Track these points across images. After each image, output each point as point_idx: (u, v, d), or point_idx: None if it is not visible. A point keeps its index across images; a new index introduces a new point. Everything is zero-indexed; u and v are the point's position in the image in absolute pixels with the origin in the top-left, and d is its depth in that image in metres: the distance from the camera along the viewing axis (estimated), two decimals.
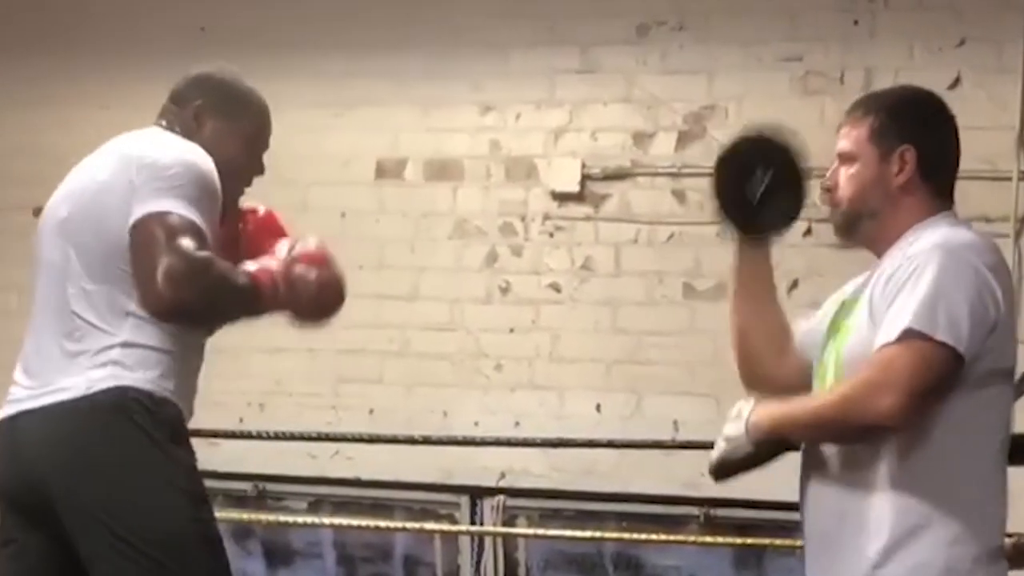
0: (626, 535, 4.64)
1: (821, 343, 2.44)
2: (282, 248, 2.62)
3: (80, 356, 2.49)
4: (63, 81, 5.57)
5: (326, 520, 4.98)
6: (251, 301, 2.53)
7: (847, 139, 2.41)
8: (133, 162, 2.55)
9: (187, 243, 2.44)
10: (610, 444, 4.63)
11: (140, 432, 2.46)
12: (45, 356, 2.55)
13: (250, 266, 2.55)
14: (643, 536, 4.56)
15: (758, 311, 2.54)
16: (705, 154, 4.91)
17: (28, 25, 5.62)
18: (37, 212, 5.52)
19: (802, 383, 2.47)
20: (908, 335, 2.22)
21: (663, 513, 4.75)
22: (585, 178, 5.04)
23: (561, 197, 5.08)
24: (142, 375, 2.48)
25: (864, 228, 2.40)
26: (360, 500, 5.14)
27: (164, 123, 2.73)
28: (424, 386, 5.12)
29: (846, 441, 2.31)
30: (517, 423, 4.99)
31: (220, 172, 2.60)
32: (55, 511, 2.48)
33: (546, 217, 5.09)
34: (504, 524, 4.94)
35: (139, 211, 2.48)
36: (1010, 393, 2.37)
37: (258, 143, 2.75)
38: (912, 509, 2.27)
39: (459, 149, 5.20)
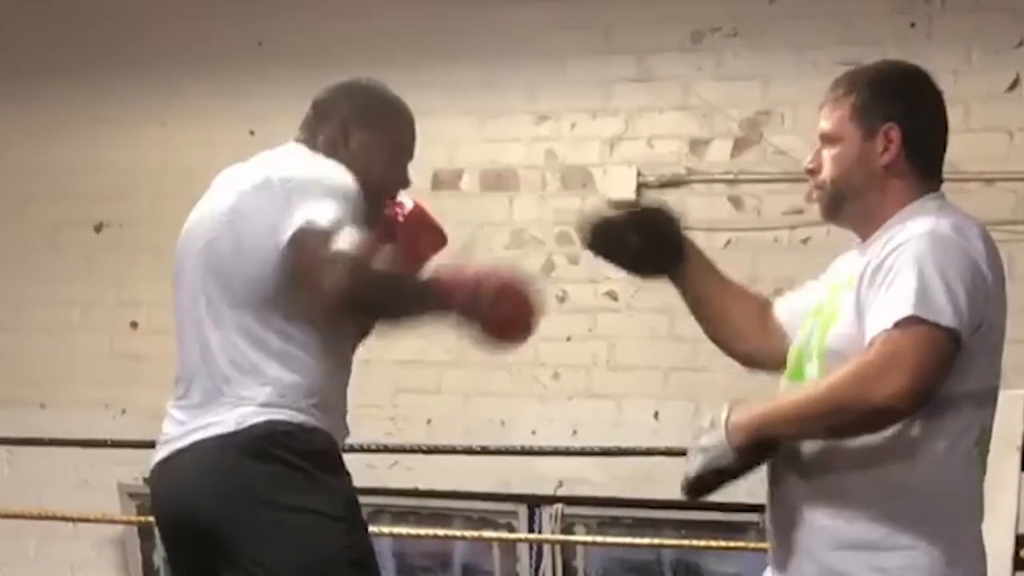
0: (685, 542, 4.63)
1: (803, 324, 2.35)
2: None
3: (228, 391, 2.48)
4: (123, 98, 5.63)
5: (385, 530, 4.99)
6: (425, 300, 2.46)
7: (828, 119, 2.32)
8: (275, 183, 2.50)
9: (349, 236, 2.38)
10: (668, 452, 4.61)
11: (288, 465, 2.44)
12: (195, 392, 2.53)
13: (453, 273, 2.47)
14: (702, 543, 4.54)
15: (717, 309, 2.52)
16: (761, 160, 4.91)
17: (88, 43, 5.69)
18: (98, 228, 5.76)
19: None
20: (910, 321, 2.11)
21: (722, 520, 4.72)
22: (641, 186, 5.04)
23: (617, 205, 5.06)
24: (290, 407, 2.46)
25: (849, 209, 2.31)
26: (419, 510, 5.16)
27: (304, 136, 2.67)
28: (482, 396, 5.13)
29: (845, 431, 2.17)
30: (575, 431, 5.00)
31: (367, 183, 2.55)
32: (209, 546, 2.48)
33: None
34: (562, 532, 4.94)
35: (290, 226, 2.43)
36: (993, 395, 2.28)
37: (404, 154, 2.71)
38: (886, 512, 2.19)
39: (515, 159, 5.21)
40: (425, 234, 2.68)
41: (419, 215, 2.72)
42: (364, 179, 2.55)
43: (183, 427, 2.52)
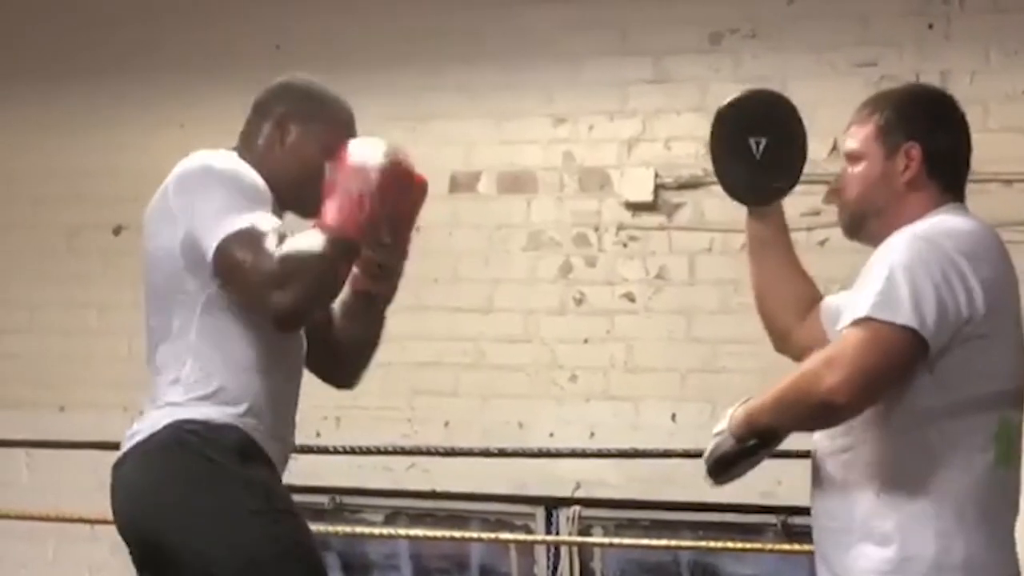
0: (702, 543, 4.63)
1: None
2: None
3: (152, 397, 2.57)
4: (141, 101, 5.65)
5: (402, 532, 5.01)
6: (342, 248, 2.47)
7: (853, 138, 2.39)
8: (171, 189, 2.60)
9: (268, 246, 2.44)
10: (685, 454, 4.61)
11: (200, 462, 2.47)
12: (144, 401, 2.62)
13: (327, 211, 2.48)
14: (719, 544, 4.54)
15: (774, 275, 2.55)
16: None
17: (105, 47, 5.71)
18: (117, 231, 5.77)
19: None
20: (867, 320, 2.19)
21: (740, 522, 4.72)
22: (658, 187, 5.04)
23: (635, 207, 5.08)
24: (197, 404, 2.49)
25: (871, 226, 2.37)
26: (436, 512, 5.16)
27: (240, 142, 2.74)
28: (499, 398, 5.14)
29: (804, 423, 2.29)
30: (592, 433, 4.99)
31: (305, 176, 2.60)
32: (148, 552, 2.52)
33: (620, 227, 5.09)
34: (579, 534, 4.95)
35: (210, 241, 2.48)
36: (1007, 398, 2.28)
37: (339, 146, 2.70)
38: (900, 505, 2.23)
39: (532, 161, 5.22)
40: (402, 189, 2.61)
41: (393, 171, 2.63)
42: (301, 173, 2.62)
43: (127, 432, 2.61)
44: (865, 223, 2.37)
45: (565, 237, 5.15)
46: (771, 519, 4.67)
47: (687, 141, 5.04)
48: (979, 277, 2.22)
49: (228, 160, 2.62)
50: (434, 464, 5.08)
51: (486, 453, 4.75)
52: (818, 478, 2.36)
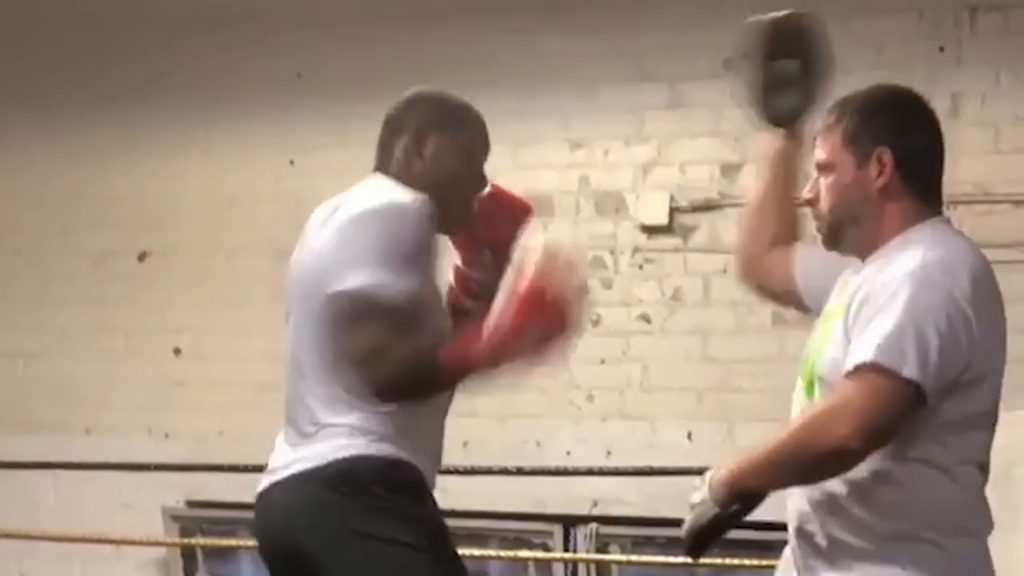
0: (718, 561, 4.66)
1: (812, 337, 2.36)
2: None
3: (318, 426, 2.51)
4: (165, 128, 5.72)
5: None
6: (441, 380, 2.51)
7: (822, 148, 2.30)
8: (342, 226, 2.51)
9: (387, 338, 2.41)
10: (702, 472, 4.64)
11: (373, 498, 2.46)
12: (293, 428, 2.57)
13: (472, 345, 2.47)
14: (735, 561, 4.57)
15: (775, 196, 2.50)
16: None
17: (131, 75, 5.78)
18: (142, 257, 5.84)
19: (784, 287, 2.46)
20: (870, 368, 2.13)
21: (756, 539, 4.74)
22: (673, 210, 5.09)
23: (650, 230, 5.13)
24: (376, 440, 2.48)
25: (849, 236, 2.30)
26: (455, 530, 5.12)
27: (380, 157, 2.65)
28: (517, 418, 5.17)
29: (807, 476, 2.21)
30: (609, 452, 5.04)
31: (450, 188, 2.58)
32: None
33: (635, 250, 5.14)
34: (597, 551, 4.98)
35: (347, 284, 2.46)
36: (988, 432, 2.27)
37: (479, 154, 2.70)
38: (896, 529, 2.22)
39: (549, 185, 5.27)
40: (504, 213, 2.66)
41: (499, 202, 2.70)
42: (443, 183, 2.58)
43: (283, 460, 2.56)
44: (842, 233, 2.30)
45: (581, 259, 5.20)
46: (786, 536, 4.69)
47: (702, 165, 5.10)
48: (981, 325, 2.18)
49: (404, 202, 2.52)
50: (453, 483, 5.09)
51: (504, 472, 4.80)
52: (808, 494, 2.32)
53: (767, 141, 2.55)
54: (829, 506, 2.26)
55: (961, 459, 2.24)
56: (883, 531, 2.22)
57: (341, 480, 2.47)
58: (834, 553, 2.27)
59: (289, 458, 2.54)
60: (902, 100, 2.34)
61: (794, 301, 2.53)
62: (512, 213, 2.67)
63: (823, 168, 2.32)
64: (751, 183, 2.63)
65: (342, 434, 2.49)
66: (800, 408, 2.36)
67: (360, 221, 2.50)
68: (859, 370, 2.15)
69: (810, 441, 2.16)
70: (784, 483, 2.26)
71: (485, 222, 2.58)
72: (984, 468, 2.29)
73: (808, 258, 2.48)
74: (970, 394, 2.21)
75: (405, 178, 2.58)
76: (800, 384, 2.38)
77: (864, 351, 2.15)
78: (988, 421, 2.28)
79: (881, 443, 2.15)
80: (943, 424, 2.21)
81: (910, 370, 2.12)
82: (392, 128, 2.66)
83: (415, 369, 2.47)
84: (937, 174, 2.32)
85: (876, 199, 2.27)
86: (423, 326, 2.49)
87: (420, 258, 2.50)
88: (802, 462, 2.19)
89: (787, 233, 2.52)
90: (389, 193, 2.54)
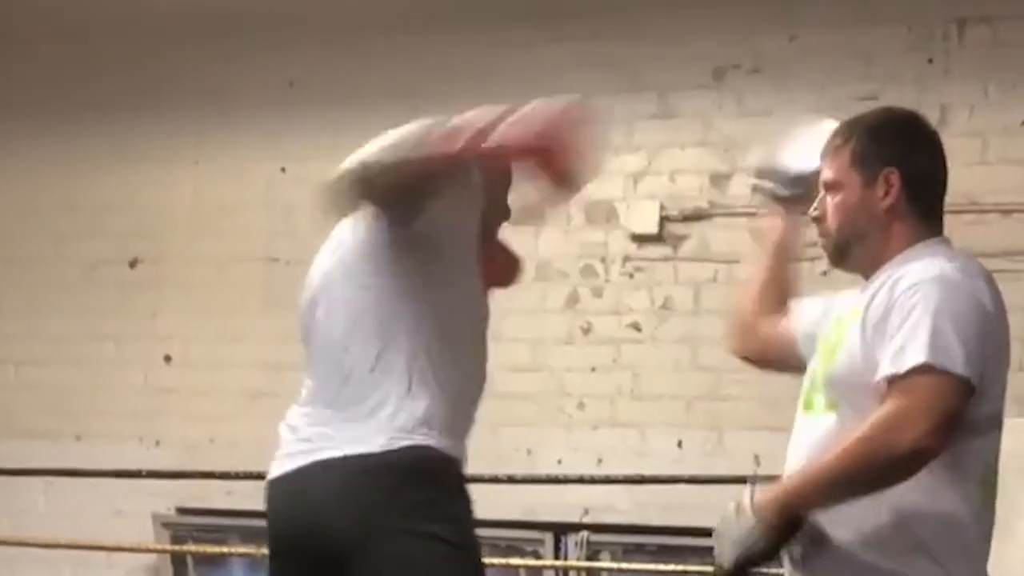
0: (708, 568, 4.67)
1: (812, 353, 2.40)
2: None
3: (369, 408, 2.47)
4: (158, 137, 5.74)
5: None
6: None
7: (830, 168, 2.36)
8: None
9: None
10: (692, 480, 4.69)
11: (431, 492, 2.47)
12: (327, 404, 2.52)
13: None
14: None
15: (778, 275, 2.60)
16: None
17: (122, 84, 5.80)
18: (133, 264, 5.84)
19: (781, 347, 2.51)
20: (925, 369, 2.16)
21: None
22: (664, 220, 5.11)
23: (640, 239, 5.15)
24: (434, 434, 2.48)
25: (855, 254, 2.35)
26: None
27: None
28: (508, 426, 5.17)
29: (879, 483, 2.18)
30: (600, 460, 5.06)
31: (489, 214, 2.67)
32: (330, 566, 2.46)
33: (626, 259, 5.16)
34: (588, 559, 4.99)
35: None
36: (997, 435, 2.30)
37: (504, 188, 2.75)
38: (905, 535, 2.23)
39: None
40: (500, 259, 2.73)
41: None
42: (489, 210, 2.67)
43: (312, 438, 2.50)
44: (849, 252, 2.36)
45: (572, 268, 5.23)
46: None
47: (691, 174, 5.12)
48: (995, 312, 2.24)
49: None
50: None
51: (496, 480, 4.80)
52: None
53: (769, 227, 2.61)
54: (841, 518, 2.27)
55: (972, 470, 2.27)
56: (888, 539, 2.24)
57: (400, 471, 2.43)
58: (837, 558, 2.28)
59: (327, 434, 2.48)
60: (909, 122, 2.40)
61: (793, 359, 2.55)
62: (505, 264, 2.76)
63: (831, 187, 2.38)
64: (751, 268, 2.69)
65: (395, 421, 2.45)
66: (803, 430, 2.38)
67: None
68: (912, 373, 2.17)
69: (884, 446, 2.15)
70: (849, 495, 2.21)
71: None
72: (989, 483, 2.31)
73: (801, 308, 2.56)
74: (985, 396, 2.25)
75: None
76: (799, 406, 2.41)
77: (914, 354, 2.17)
78: (997, 428, 2.32)
79: (951, 439, 2.17)
80: (966, 427, 2.23)
81: (961, 367, 2.16)
82: None
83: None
84: (940, 195, 2.38)
85: (882, 218, 2.32)
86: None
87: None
88: (875, 469, 2.17)
89: (782, 304, 2.60)
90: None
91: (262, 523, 2.59)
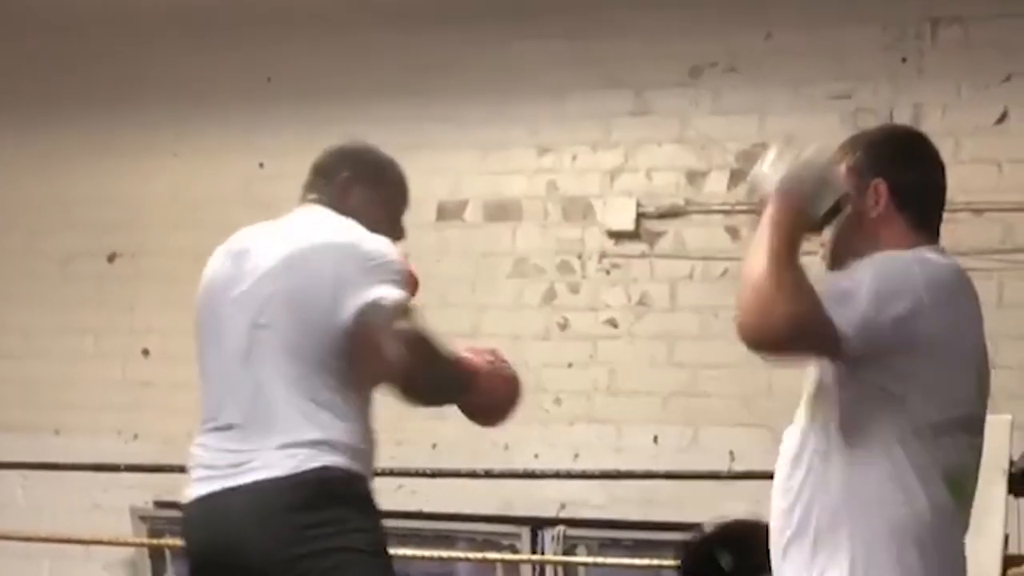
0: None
1: None
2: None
3: (284, 435, 2.60)
4: (134, 130, 5.75)
5: (391, 551, 5.06)
6: (462, 375, 2.73)
7: None
8: (337, 251, 2.67)
9: (415, 320, 2.62)
10: (667, 475, 4.72)
11: (341, 509, 2.59)
12: (239, 427, 2.65)
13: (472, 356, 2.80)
14: None
15: None
16: None
17: (99, 78, 5.80)
18: (111, 258, 5.84)
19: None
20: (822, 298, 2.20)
21: None
22: (640, 216, 5.14)
23: (617, 235, 5.18)
24: (340, 454, 2.60)
25: (849, 263, 2.36)
26: (423, 532, 5.23)
27: (315, 197, 2.84)
28: None
29: (746, 304, 2.22)
30: (576, 455, 5.09)
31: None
32: None
33: (603, 255, 5.20)
34: (564, 553, 5.02)
35: (360, 300, 2.60)
36: (957, 436, 2.31)
37: (399, 208, 2.89)
38: (860, 532, 2.25)
39: (518, 190, 5.32)
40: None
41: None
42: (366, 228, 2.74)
43: (229, 462, 2.63)
44: (844, 259, 2.38)
45: (549, 264, 5.25)
46: None
47: (668, 172, 5.16)
48: (942, 312, 2.25)
49: (383, 240, 2.73)
50: (422, 485, 5.16)
51: (472, 475, 4.83)
52: (778, 497, 2.36)
53: None
54: (810, 496, 2.31)
55: (927, 468, 2.28)
56: (855, 540, 2.27)
57: (309, 491, 2.57)
58: (800, 541, 2.31)
59: (245, 463, 2.61)
60: (900, 136, 2.48)
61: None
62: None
63: None
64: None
65: (305, 444, 2.59)
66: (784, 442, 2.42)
67: (358, 244, 2.68)
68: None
69: (759, 300, 2.21)
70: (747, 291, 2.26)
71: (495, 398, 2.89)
72: (957, 488, 2.32)
73: None
74: (933, 380, 2.26)
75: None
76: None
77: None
78: (956, 429, 2.32)
79: (796, 345, 2.21)
80: (913, 422, 2.26)
81: (840, 319, 2.18)
82: (320, 175, 2.87)
83: (447, 354, 2.70)
84: (933, 206, 2.43)
85: (872, 227, 2.37)
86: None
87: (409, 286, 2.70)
88: (750, 296, 2.22)
89: None
90: (369, 233, 2.73)
91: None
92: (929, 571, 2.27)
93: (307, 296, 2.64)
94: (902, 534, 2.26)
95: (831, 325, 2.20)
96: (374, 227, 2.75)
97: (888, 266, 2.27)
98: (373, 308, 2.60)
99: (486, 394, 2.78)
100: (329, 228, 2.73)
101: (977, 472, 2.38)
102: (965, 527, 2.37)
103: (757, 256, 2.23)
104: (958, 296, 2.33)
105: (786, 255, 2.22)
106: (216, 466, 2.64)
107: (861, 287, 2.23)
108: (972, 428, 2.35)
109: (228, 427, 2.66)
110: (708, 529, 2.64)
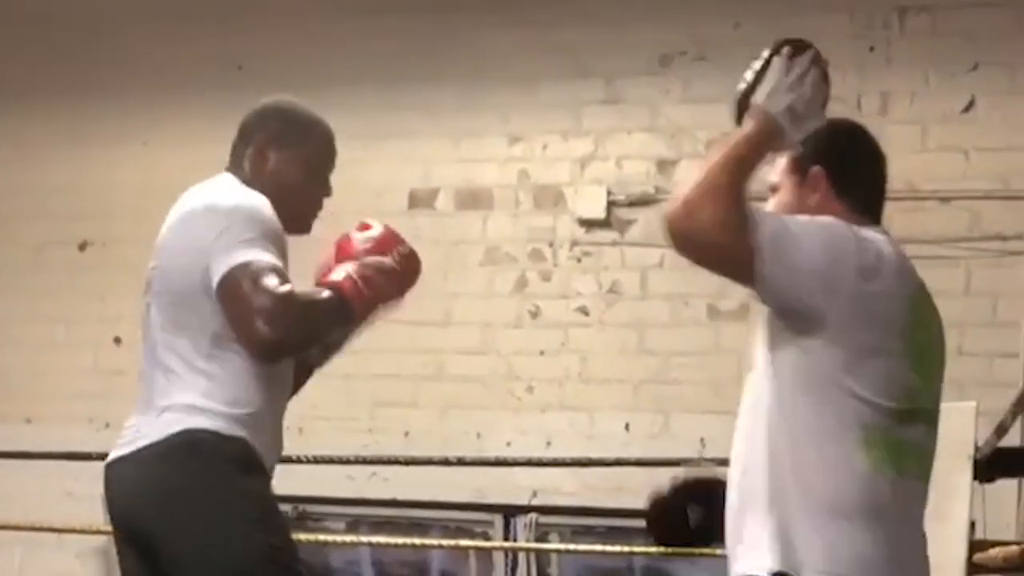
0: (655, 549, 4.73)
1: None
2: (349, 245, 2.74)
3: (161, 403, 2.65)
4: (105, 119, 5.74)
5: (364, 539, 5.09)
6: (343, 312, 2.67)
7: (774, 171, 2.50)
8: (196, 217, 2.68)
9: (269, 282, 2.59)
10: (639, 462, 4.74)
11: (208, 470, 2.61)
12: (142, 404, 2.71)
13: (335, 275, 2.68)
14: (672, 550, 4.65)
15: None
16: None
17: (71, 66, 5.78)
18: (82, 247, 5.84)
19: None
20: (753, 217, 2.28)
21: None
22: (611, 205, 5.17)
23: (588, 223, 5.20)
24: (208, 414, 2.62)
25: None
26: (397, 520, 5.26)
27: (231, 162, 2.84)
28: (458, 408, 5.24)
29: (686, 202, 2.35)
30: (548, 443, 5.12)
31: (288, 198, 2.74)
32: (148, 548, 2.65)
33: (574, 243, 5.22)
34: (536, 541, 5.05)
35: (219, 267, 2.61)
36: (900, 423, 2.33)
37: (320, 166, 2.85)
38: (790, 496, 2.32)
39: (489, 179, 5.34)
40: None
41: (387, 238, 2.83)
42: (283, 195, 2.74)
43: (127, 435, 2.70)
44: None
45: (521, 252, 5.27)
46: None
47: (638, 160, 5.18)
48: (881, 278, 2.30)
49: (252, 197, 2.71)
50: (394, 473, 5.18)
51: (445, 462, 4.85)
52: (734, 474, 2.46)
53: None
54: (741, 491, 2.41)
55: (867, 441, 2.32)
56: (770, 494, 2.35)
57: (174, 454, 2.61)
58: (747, 510, 2.39)
59: (134, 433, 2.68)
60: (839, 127, 2.51)
61: None
62: (410, 282, 2.83)
63: (773, 190, 2.52)
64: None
65: (173, 409, 2.63)
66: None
67: (221, 212, 2.66)
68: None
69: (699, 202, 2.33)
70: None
71: (396, 284, 2.77)
72: (902, 469, 2.35)
73: None
74: (867, 365, 2.30)
75: (252, 184, 2.76)
76: None
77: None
78: (891, 413, 2.35)
79: (717, 246, 2.31)
80: (849, 394, 2.31)
81: (760, 237, 2.26)
82: (241, 137, 2.86)
83: (319, 305, 2.64)
84: (873, 192, 2.49)
85: (814, 213, 2.42)
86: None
87: (278, 244, 2.68)
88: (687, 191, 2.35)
89: None
90: (238, 192, 2.73)
91: None
92: (857, 541, 2.31)
93: (173, 268, 2.68)
94: (826, 498, 2.31)
95: (751, 252, 2.27)
96: (294, 187, 2.76)
97: (835, 228, 2.33)
98: (231, 274, 2.59)
99: (370, 308, 2.70)
100: (202, 194, 2.73)
101: (926, 448, 2.41)
102: (915, 498, 2.40)
103: (714, 158, 2.33)
104: (887, 266, 2.36)
105: (741, 169, 2.31)
106: (120, 443, 2.72)
107: (800, 239, 2.29)
108: (917, 415, 2.37)
109: (137, 404, 2.74)
110: (675, 485, 2.66)
